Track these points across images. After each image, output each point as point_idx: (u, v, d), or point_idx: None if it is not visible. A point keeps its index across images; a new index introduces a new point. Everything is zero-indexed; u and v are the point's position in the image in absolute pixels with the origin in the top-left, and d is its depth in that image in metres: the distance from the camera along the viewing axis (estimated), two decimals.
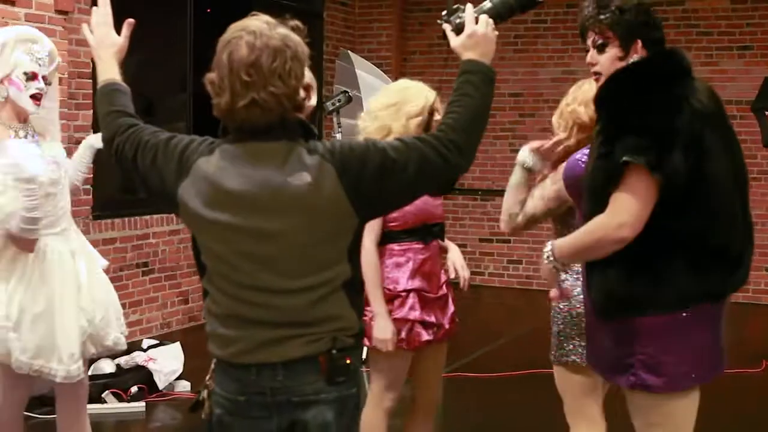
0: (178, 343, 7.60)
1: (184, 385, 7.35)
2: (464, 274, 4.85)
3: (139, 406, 6.90)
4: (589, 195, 3.58)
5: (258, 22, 2.94)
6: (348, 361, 3.01)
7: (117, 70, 3.39)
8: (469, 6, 3.20)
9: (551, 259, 3.67)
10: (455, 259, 4.90)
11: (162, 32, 9.54)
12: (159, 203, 3.19)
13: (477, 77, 3.12)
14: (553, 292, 3.98)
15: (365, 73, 9.45)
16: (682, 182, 3.35)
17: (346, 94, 8.40)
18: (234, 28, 2.95)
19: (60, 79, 7.67)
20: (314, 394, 2.99)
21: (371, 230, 4.52)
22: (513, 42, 12.45)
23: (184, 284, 9.61)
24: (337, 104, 9.33)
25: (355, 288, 3.06)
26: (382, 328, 4.52)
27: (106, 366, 7.22)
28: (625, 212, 3.38)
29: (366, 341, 4.49)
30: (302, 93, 2.99)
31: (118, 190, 9.22)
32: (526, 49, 12.44)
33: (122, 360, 7.32)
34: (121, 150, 3.14)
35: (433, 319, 4.67)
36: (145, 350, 7.47)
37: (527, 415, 6.82)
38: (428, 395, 4.92)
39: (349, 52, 9.86)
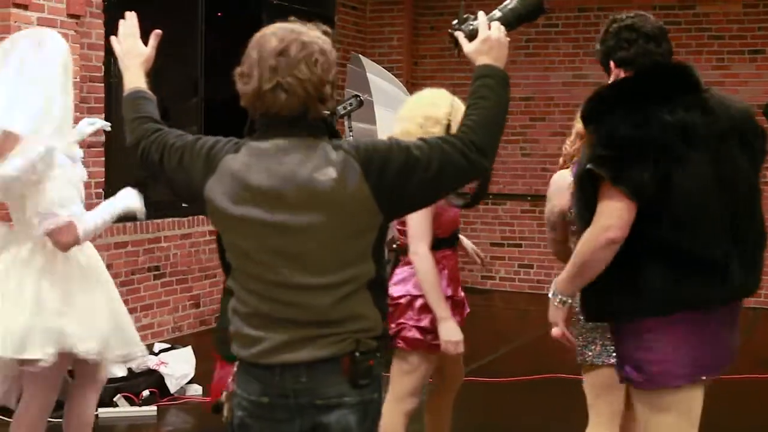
0: (189, 347, 7.61)
1: (196, 389, 7.36)
2: (481, 255, 5.34)
3: (151, 410, 6.92)
4: (577, 210, 3.79)
5: (289, 23, 3.05)
6: (371, 364, 3.03)
7: (143, 79, 3.45)
8: (481, 13, 3.29)
9: (556, 294, 3.79)
10: (469, 245, 5.31)
11: (173, 37, 9.55)
12: (187, 203, 3.30)
13: (493, 80, 3.17)
14: (555, 331, 3.96)
15: (376, 77, 9.45)
16: (651, 192, 3.48)
17: (358, 98, 8.39)
18: (266, 28, 3.06)
19: (72, 84, 7.72)
20: (337, 397, 3.01)
21: (424, 237, 4.61)
22: (524, 46, 12.45)
23: (195, 288, 9.61)
24: (349, 108, 9.31)
25: (379, 287, 3.09)
26: (451, 331, 4.62)
27: (118, 370, 7.22)
28: (607, 216, 3.51)
29: (401, 342, 4.70)
30: (329, 89, 3.03)
31: None
32: (538, 53, 12.43)
33: (134, 364, 7.32)
34: (147, 153, 3.21)
35: (458, 319, 4.80)
36: (156, 354, 7.48)
37: (537, 420, 6.82)
38: (455, 369, 5.10)
39: (360, 56, 9.86)
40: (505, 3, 3.39)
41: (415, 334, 4.70)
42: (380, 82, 9.33)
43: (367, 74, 9.29)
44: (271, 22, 3.09)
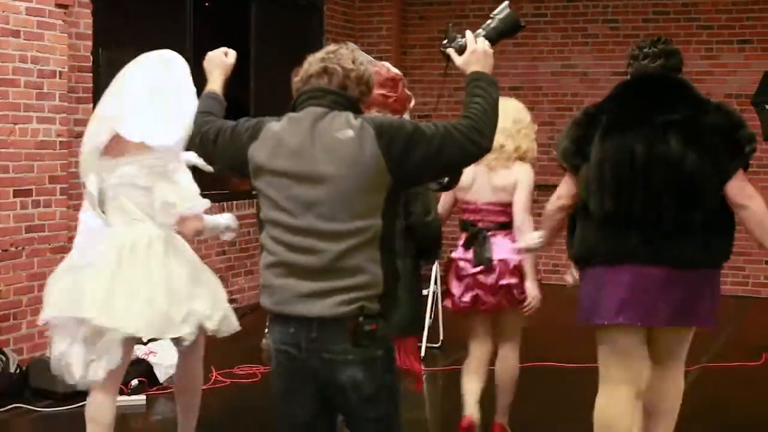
0: None
1: None
2: None
3: (140, 399, 6.92)
4: None
5: (345, 44, 3.79)
6: (374, 328, 3.50)
7: (220, 84, 4.26)
8: (468, 32, 3.82)
9: (541, 240, 5.13)
10: None
11: (161, 26, 9.53)
12: (233, 170, 3.89)
13: (483, 82, 3.67)
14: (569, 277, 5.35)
15: None
16: (574, 164, 4.74)
17: None
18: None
19: (61, 73, 7.71)
20: (342, 354, 3.49)
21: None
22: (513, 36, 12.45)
23: None
24: None
25: (386, 245, 3.57)
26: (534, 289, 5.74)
27: None
28: (561, 190, 4.90)
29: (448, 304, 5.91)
30: (364, 87, 3.69)
31: None
32: (526, 43, 12.44)
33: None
34: (205, 138, 3.85)
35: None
36: (145, 343, 7.45)
37: (534, 408, 6.83)
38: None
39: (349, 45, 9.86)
40: (487, 22, 3.91)
41: None
42: None
43: None
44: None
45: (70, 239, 7.92)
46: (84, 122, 8.18)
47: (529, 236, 5.28)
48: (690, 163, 4.48)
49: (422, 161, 3.50)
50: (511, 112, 5.69)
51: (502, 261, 5.70)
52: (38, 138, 7.59)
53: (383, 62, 5.06)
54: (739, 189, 4.53)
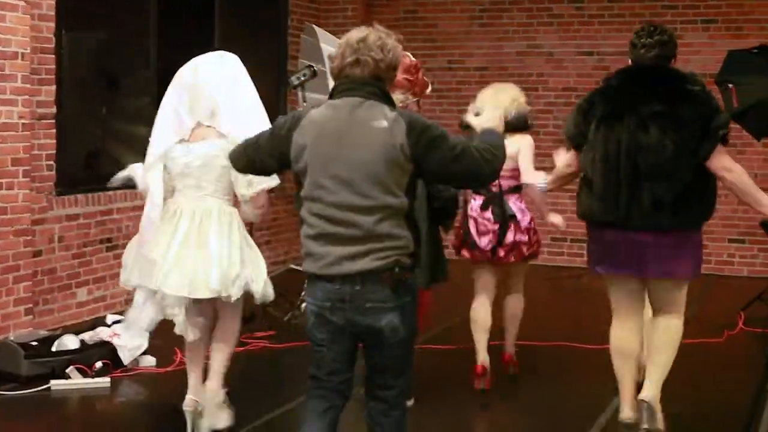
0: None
1: (149, 361, 7.34)
2: None
3: (104, 381, 6.89)
4: None
5: (372, 26, 4.23)
6: (407, 277, 4.12)
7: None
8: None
9: (545, 185, 6.07)
10: None
11: (124, 7, 9.47)
12: (279, 160, 4.29)
13: (495, 135, 4.30)
14: (557, 219, 6.62)
15: (330, 47, 9.40)
16: (578, 143, 5.68)
17: (312, 69, 8.36)
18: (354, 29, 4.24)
19: (23, 55, 7.64)
20: (381, 302, 4.08)
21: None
22: (478, 16, 12.47)
23: None
24: (302, 79, 9.25)
25: (411, 219, 4.17)
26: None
27: (70, 342, 7.19)
28: (568, 159, 5.83)
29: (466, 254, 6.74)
30: (393, 72, 4.21)
31: (82, 167, 9.16)
32: (492, 23, 12.44)
33: (86, 336, 7.30)
34: (248, 144, 4.44)
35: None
36: (109, 326, 7.45)
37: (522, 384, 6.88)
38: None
39: (314, 26, 9.82)
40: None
41: None
42: (334, 52, 9.29)
43: (321, 45, 9.25)
44: None
45: (34, 222, 7.92)
46: (47, 104, 8.17)
47: (537, 176, 6.21)
48: (666, 149, 5.34)
49: (438, 163, 4.05)
50: (511, 91, 6.75)
51: (514, 220, 6.67)
52: (0, 120, 7.52)
53: (406, 52, 5.56)
54: (719, 162, 5.38)
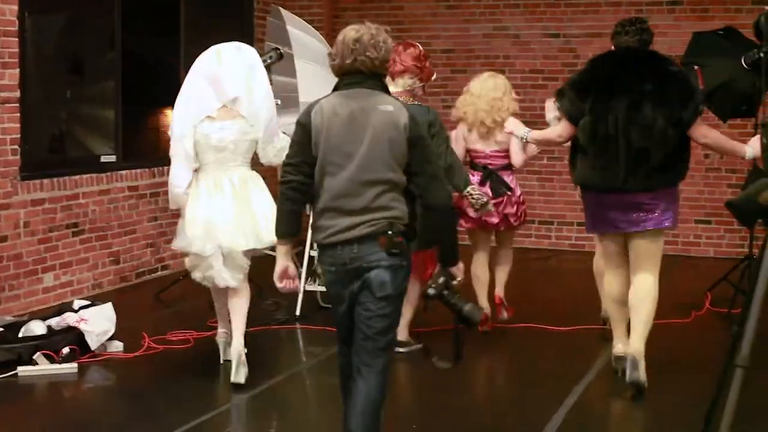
0: (109, 304, 7.52)
1: (117, 346, 7.30)
2: None
3: (71, 367, 6.85)
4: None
5: (364, 24, 4.76)
6: (400, 240, 4.60)
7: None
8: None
9: (527, 135, 7.02)
10: None
11: None
12: (309, 149, 4.68)
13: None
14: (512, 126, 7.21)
15: (297, 29, 9.37)
16: (574, 116, 6.50)
17: (278, 51, 8.32)
18: (349, 26, 4.74)
19: None
20: (376, 261, 4.58)
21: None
22: None
23: (115, 244, 9.52)
24: (269, 61, 9.20)
25: (409, 193, 4.71)
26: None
27: (37, 327, 7.14)
28: (560, 129, 6.69)
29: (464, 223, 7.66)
30: (386, 65, 4.76)
31: (47, 151, 9.10)
32: (458, 5, 12.42)
33: (53, 321, 7.25)
34: (296, 172, 4.75)
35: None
36: (76, 311, 7.39)
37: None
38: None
39: (280, 8, 9.77)
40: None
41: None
42: (300, 35, 9.25)
43: (287, 27, 9.20)
44: None
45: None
46: (11, 87, 8.09)
47: (519, 128, 7.10)
48: (658, 123, 6.28)
49: (416, 157, 4.65)
50: (490, 94, 7.72)
51: (510, 192, 7.79)
52: None
53: (416, 42, 7.33)
54: (698, 131, 6.43)
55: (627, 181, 6.34)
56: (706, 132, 6.47)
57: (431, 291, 4.77)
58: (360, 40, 4.63)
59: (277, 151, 6.78)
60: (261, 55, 8.34)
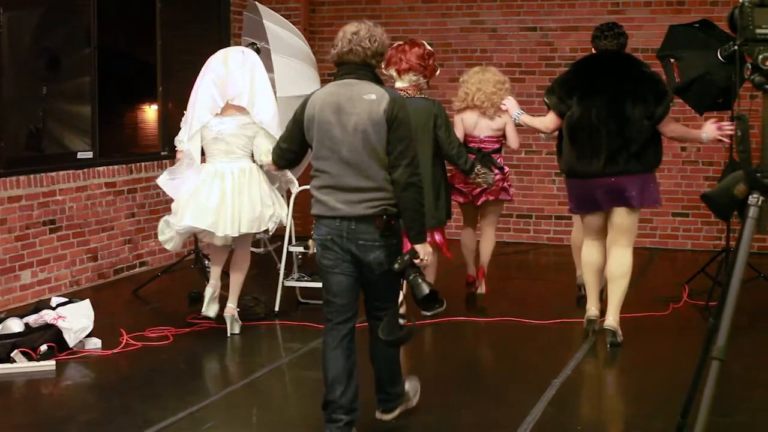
0: (87, 301, 7.50)
1: (95, 343, 7.28)
2: None
3: (49, 364, 6.82)
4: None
5: (363, 21, 5.36)
6: (392, 223, 5.20)
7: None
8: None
9: (518, 116, 7.99)
10: None
11: None
12: (304, 143, 5.40)
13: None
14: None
15: (273, 24, 9.35)
16: (561, 111, 7.41)
17: (255, 46, 8.30)
18: (350, 23, 5.37)
19: None
20: (371, 241, 5.19)
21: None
22: None
23: (92, 241, 9.49)
24: None
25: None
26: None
27: (14, 325, 7.11)
28: (547, 121, 7.62)
29: (459, 199, 8.83)
30: (379, 58, 5.34)
31: (23, 147, 9.05)
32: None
33: (31, 319, 7.22)
34: (284, 139, 5.57)
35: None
36: (54, 308, 7.36)
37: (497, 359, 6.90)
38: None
39: (257, 3, 9.75)
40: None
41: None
42: (277, 29, 9.23)
43: (264, 22, 9.19)
44: None
45: None
46: None
47: (513, 108, 8.14)
48: (635, 117, 7.19)
49: (391, 137, 5.15)
50: (492, 78, 8.75)
51: (501, 171, 8.81)
52: None
53: (422, 40, 8.15)
54: (666, 126, 7.33)
55: (607, 167, 7.21)
56: (673, 127, 7.45)
57: (396, 267, 5.18)
58: (357, 33, 5.24)
59: (268, 150, 6.98)
60: None
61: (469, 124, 8.72)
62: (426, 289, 5.18)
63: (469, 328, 7.86)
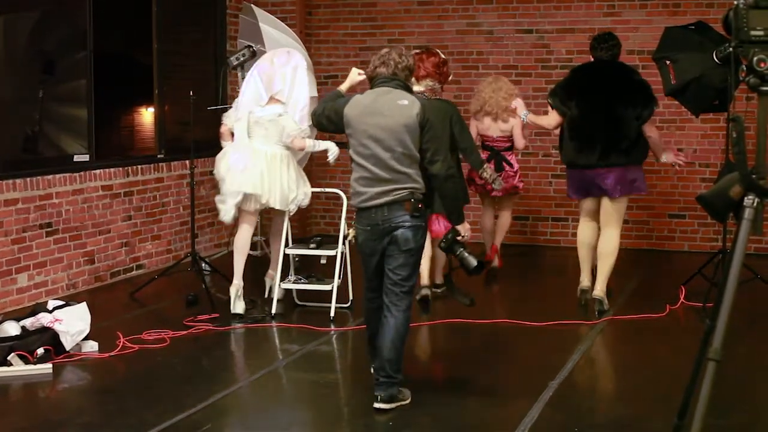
0: (84, 304, 7.49)
1: (92, 346, 7.28)
2: None
3: (46, 367, 6.82)
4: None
5: (394, 47, 6.17)
6: (420, 206, 5.93)
7: (345, 87, 6.55)
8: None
9: (525, 116, 9.01)
10: None
11: None
12: (339, 126, 6.16)
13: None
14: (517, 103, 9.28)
15: (269, 27, 9.37)
16: (562, 111, 8.45)
17: (251, 49, 8.32)
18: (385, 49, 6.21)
19: None
20: (402, 222, 5.91)
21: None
22: None
23: (89, 244, 9.49)
24: (242, 59, 9.18)
25: (424, 169, 5.98)
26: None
27: (11, 328, 7.10)
28: (550, 119, 8.69)
29: (473, 190, 10.03)
30: (408, 73, 6.09)
31: (19, 150, 9.05)
32: (431, 2, 12.42)
33: (27, 322, 7.21)
34: (325, 110, 6.23)
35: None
36: (50, 311, 7.36)
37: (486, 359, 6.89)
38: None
39: (252, 6, 9.77)
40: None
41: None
42: (273, 32, 9.25)
43: (260, 24, 9.21)
44: None
45: None
46: None
47: (521, 108, 9.10)
48: (626, 117, 8.24)
49: (424, 137, 5.91)
50: (504, 87, 9.94)
51: (511, 167, 10.17)
52: None
53: (438, 49, 8.91)
54: (650, 128, 8.43)
55: (601, 160, 8.30)
56: (651, 131, 8.52)
57: (442, 244, 6.15)
58: (390, 53, 6.07)
59: (296, 132, 8.55)
60: (233, 53, 8.31)
61: (483, 127, 10.04)
62: (474, 262, 6.08)
63: (466, 329, 7.86)
